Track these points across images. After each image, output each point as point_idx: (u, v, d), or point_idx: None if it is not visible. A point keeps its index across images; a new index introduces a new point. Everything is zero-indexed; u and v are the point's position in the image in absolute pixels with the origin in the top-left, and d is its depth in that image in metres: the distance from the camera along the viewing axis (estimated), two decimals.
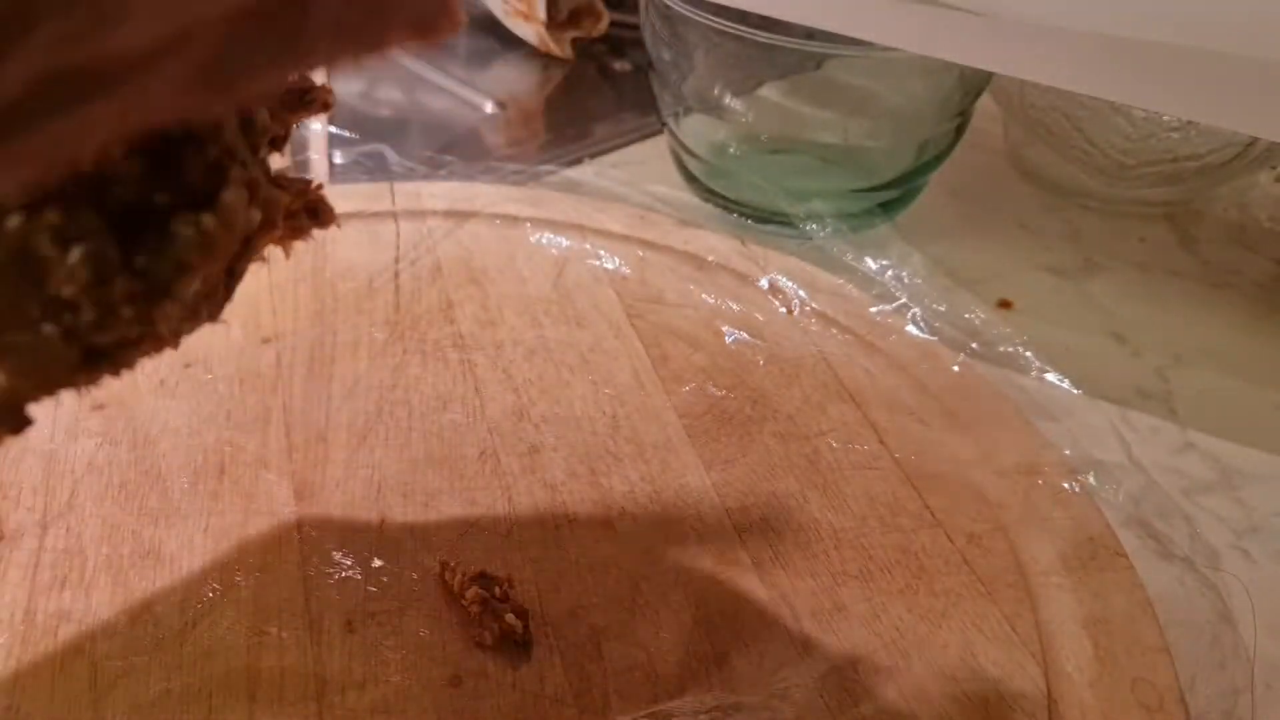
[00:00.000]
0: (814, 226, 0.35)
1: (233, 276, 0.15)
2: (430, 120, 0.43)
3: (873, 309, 0.31)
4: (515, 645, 0.21)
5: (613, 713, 0.20)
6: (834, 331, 0.31)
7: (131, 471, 0.24)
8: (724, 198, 0.37)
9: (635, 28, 0.37)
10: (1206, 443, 0.29)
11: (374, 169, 0.39)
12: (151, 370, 0.27)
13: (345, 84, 0.45)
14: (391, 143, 0.40)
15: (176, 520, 0.23)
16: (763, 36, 0.32)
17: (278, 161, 0.17)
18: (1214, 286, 0.36)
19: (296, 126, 0.17)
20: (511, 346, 0.29)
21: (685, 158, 0.38)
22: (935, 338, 0.31)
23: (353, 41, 0.12)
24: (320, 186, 0.18)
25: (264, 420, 0.26)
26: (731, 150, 0.37)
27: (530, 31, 0.47)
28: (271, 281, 0.31)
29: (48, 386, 0.13)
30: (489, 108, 0.45)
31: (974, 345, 0.31)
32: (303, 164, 0.39)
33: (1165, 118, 0.35)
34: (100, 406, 0.26)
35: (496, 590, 0.21)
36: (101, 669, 0.20)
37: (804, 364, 0.29)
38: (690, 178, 0.38)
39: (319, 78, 0.18)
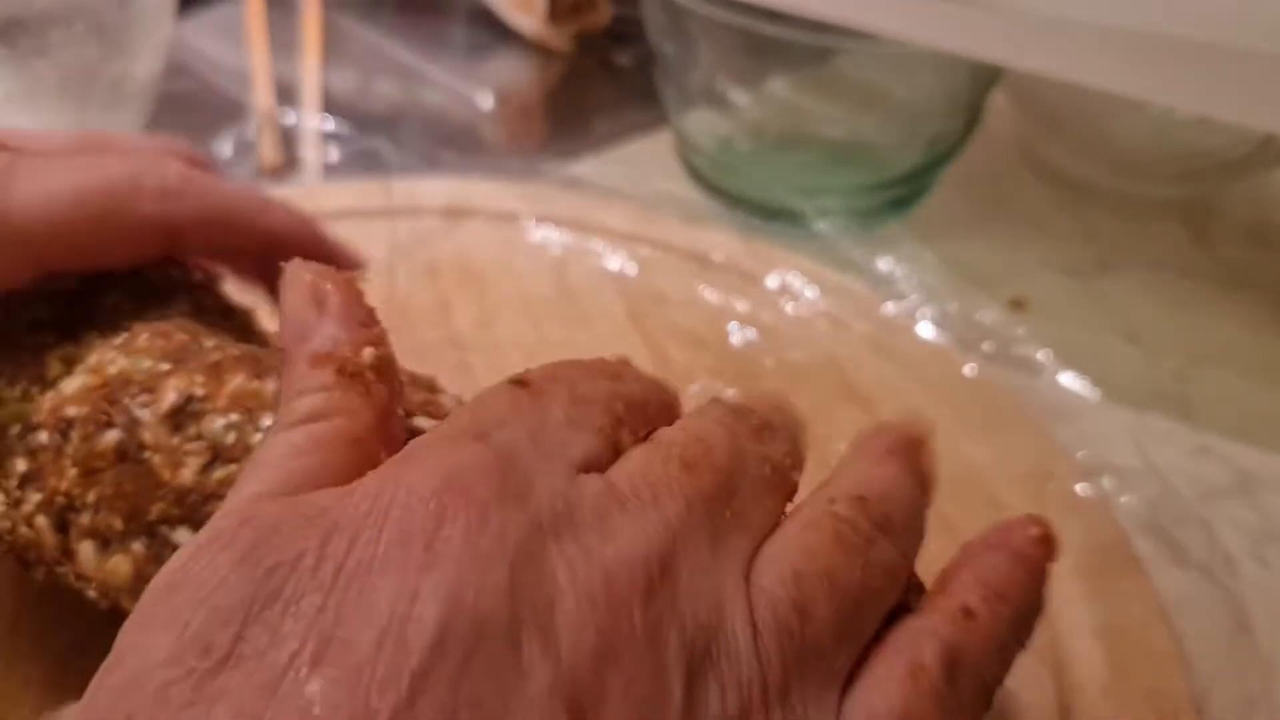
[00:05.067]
0: (822, 224, 0.35)
1: None
2: (427, 115, 0.43)
3: (882, 309, 0.31)
4: None
5: None
6: (843, 332, 0.30)
7: None
8: (730, 194, 0.36)
9: (638, 20, 0.37)
10: (1223, 446, 0.29)
11: (370, 165, 0.38)
12: None
13: (341, 79, 0.44)
14: (388, 138, 0.39)
15: None
16: (769, 29, 0.31)
17: None
18: (1231, 286, 0.35)
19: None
20: (510, 348, 0.29)
21: (690, 153, 0.37)
22: (947, 338, 0.30)
23: None
24: None
25: None
26: (737, 146, 0.37)
27: (530, 24, 0.46)
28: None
29: None
30: (487, 102, 0.44)
31: (986, 346, 0.31)
32: (297, 161, 0.39)
33: (1181, 113, 0.34)
34: None
35: None
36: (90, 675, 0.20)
37: (812, 366, 0.29)
38: (695, 174, 0.37)
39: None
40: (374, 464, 0.13)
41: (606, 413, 0.14)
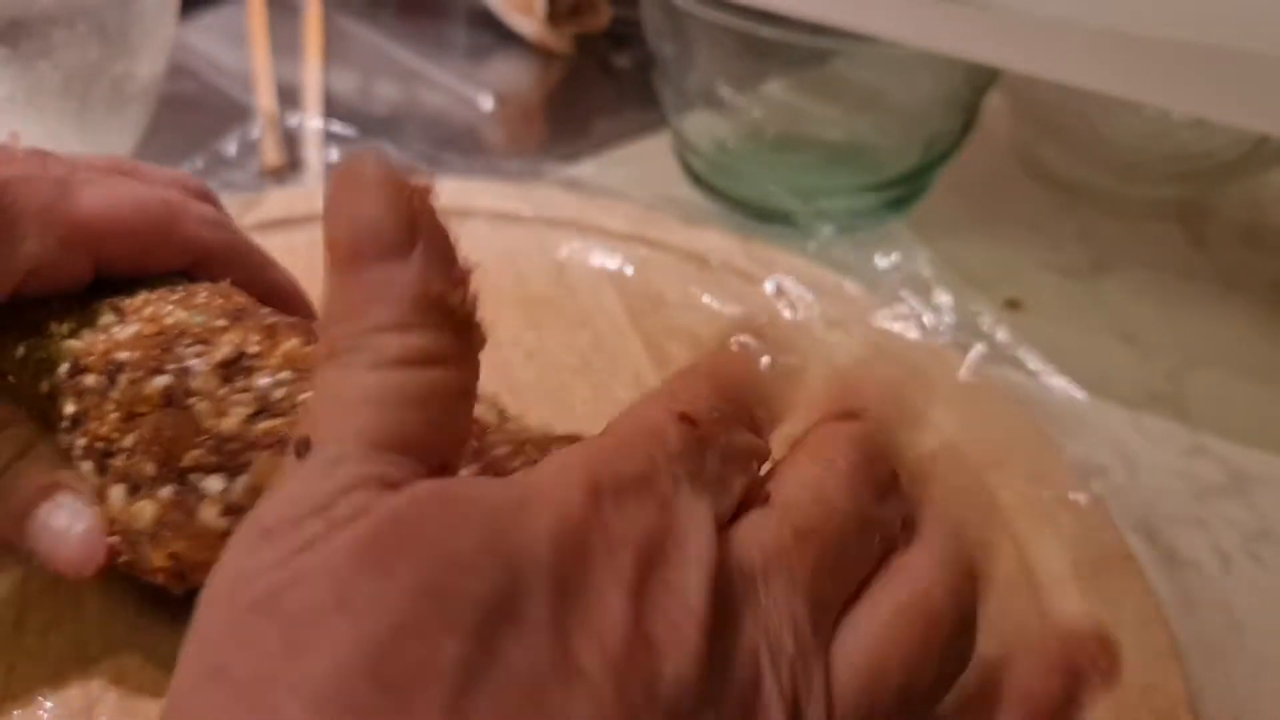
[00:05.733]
0: (820, 225, 0.35)
1: None
2: (428, 116, 0.43)
3: (879, 310, 0.31)
4: None
5: None
6: (840, 333, 0.30)
7: None
8: (728, 196, 0.36)
9: (637, 22, 0.37)
10: (1217, 446, 0.29)
11: None
12: None
13: (342, 80, 0.44)
14: (389, 139, 0.40)
15: None
16: (767, 31, 0.31)
17: None
18: (1226, 287, 0.35)
19: None
20: (510, 348, 0.29)
21: (688, 155, 0.37)
22: (943, 340, 0.30)
23: None
24: None
25: None
26: (735, 147, 0.37)
27: (529, 26, 0.47)
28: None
29: None
30: (488, 104, 0.44)
31: (983, 347, 0.31)
32: (299, 162, 0.39)
33: (1176, 114, 0.34)
34: None
35: None
36: (92, 672, 0.20)
37: (810, 366, 0.29)
38: (694, 175, 0.38)
39: None
40: (466, 432, 0.14)
41: (745, 472, 0.14)
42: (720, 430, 0.14)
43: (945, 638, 0.14)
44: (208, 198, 0.23)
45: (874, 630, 0.13)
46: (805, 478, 0.15)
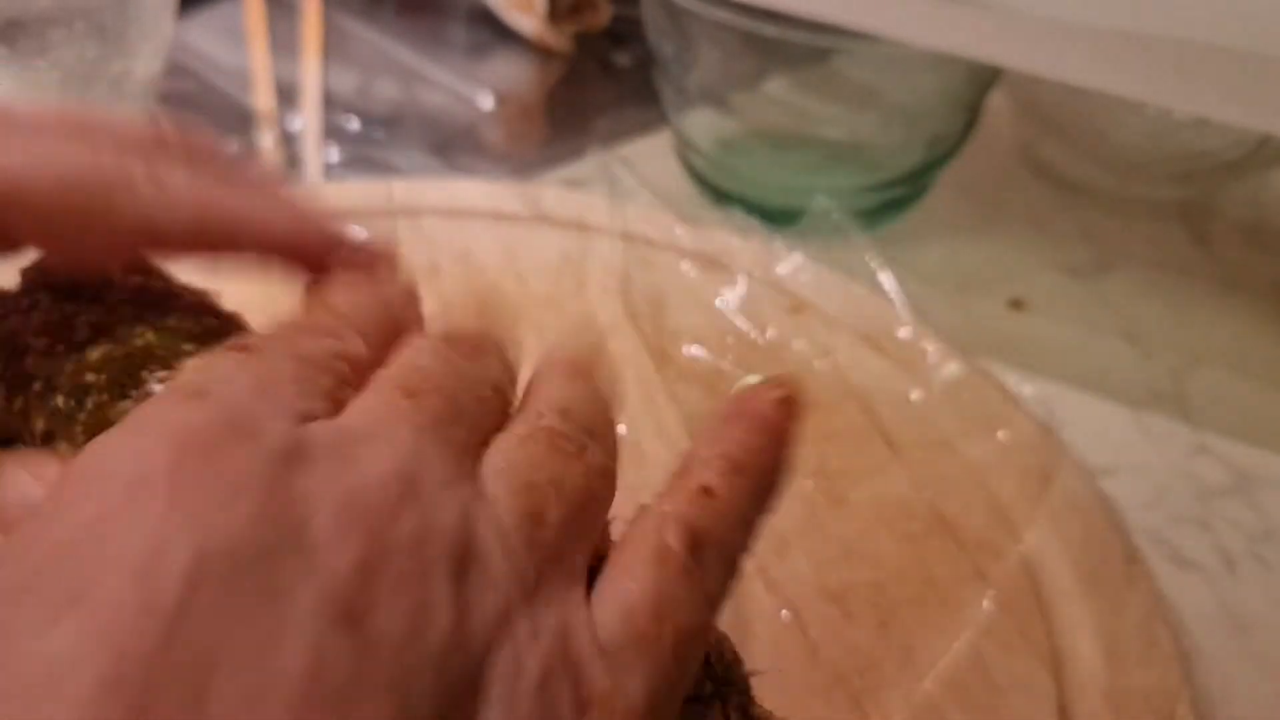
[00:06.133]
0: (820, 224, 0.35)
1: None
2: (427, 115, 0.43)
3: (881, 308, 0.31)
4: None
5: None
6: (841, 332, 0.30)
7: None
8: (729, 194, 0.36)
9: (637, 20, 0.37)
10: (1221, 446, 0.29)
11: (370, 165, 0.38)
12: None
13: (342, 79, 0.44)
14: (388, 138, 0.40)
15: None
16: (768, 30, 0.31)
17: None
18: (1229, 286, 0.35)
19: None
20: (509, 349, 0.29)
21: (689, 154, 0.37)
22: (945, 338, 0.30)
23: None
24: None
25: None
26: (736, 146, 0.37)
27: (530, 24, 0.47)
28: (263, 283, 0.30)
29: None
30: (487, 102, 0.44)
31: (985, 346, 0.31)
32: (297, 162, 0.39)
33: (1178, 114, 0.34)
34: None
35: None
36: None
37: (810, 365, 0.29)
38: (694, 174, 0.37)
39: None
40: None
41: (329, 373, 0.14)
42: (276, 345, 0.14)
43: (575, 448, 0.14)
44: (197, 150, 0.18)
45: (512, 459, 0.14)
46: (391, 362, 0.15)
